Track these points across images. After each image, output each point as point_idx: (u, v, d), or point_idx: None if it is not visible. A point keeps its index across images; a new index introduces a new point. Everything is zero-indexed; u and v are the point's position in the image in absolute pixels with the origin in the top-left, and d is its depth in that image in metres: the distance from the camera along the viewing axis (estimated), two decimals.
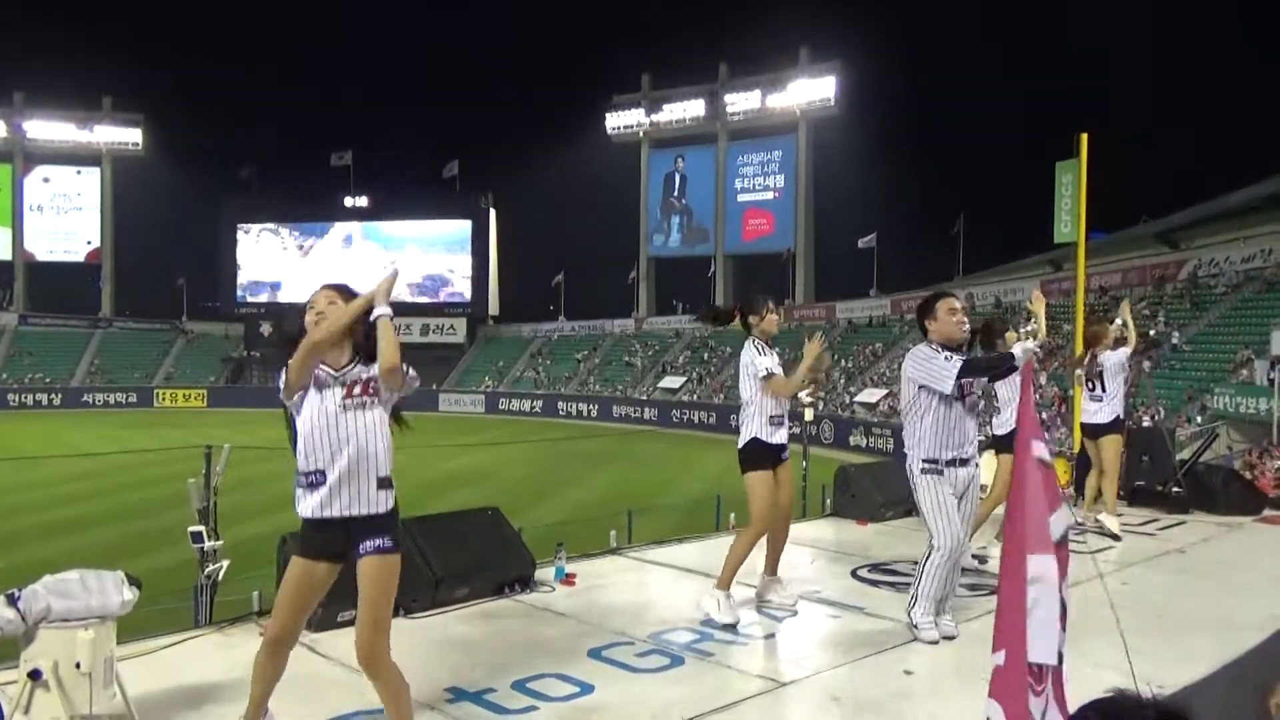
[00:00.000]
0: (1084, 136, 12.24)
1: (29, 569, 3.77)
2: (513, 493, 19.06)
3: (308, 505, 3.50)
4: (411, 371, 3.56)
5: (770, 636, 5.32)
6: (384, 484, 3.52)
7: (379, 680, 3.53)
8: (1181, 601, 5.95)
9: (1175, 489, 8.92)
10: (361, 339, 3.58)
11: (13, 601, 3.50)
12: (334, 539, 3.50)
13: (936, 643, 5.09)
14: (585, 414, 43.95)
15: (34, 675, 3.48)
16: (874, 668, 4.74)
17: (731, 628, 5.27)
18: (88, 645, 3.54)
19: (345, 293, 3.65)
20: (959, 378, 5.00)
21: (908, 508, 8.68)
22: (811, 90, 49.98)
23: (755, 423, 5.60)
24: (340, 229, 56.71)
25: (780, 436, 5.64)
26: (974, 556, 7.08)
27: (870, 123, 52.61)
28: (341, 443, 3.46)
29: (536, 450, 29.10)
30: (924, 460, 5.18)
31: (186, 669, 4.56)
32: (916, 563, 6.68)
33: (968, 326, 5.24)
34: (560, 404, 45.65)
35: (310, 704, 4.10)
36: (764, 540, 5.71)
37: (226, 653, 4.80)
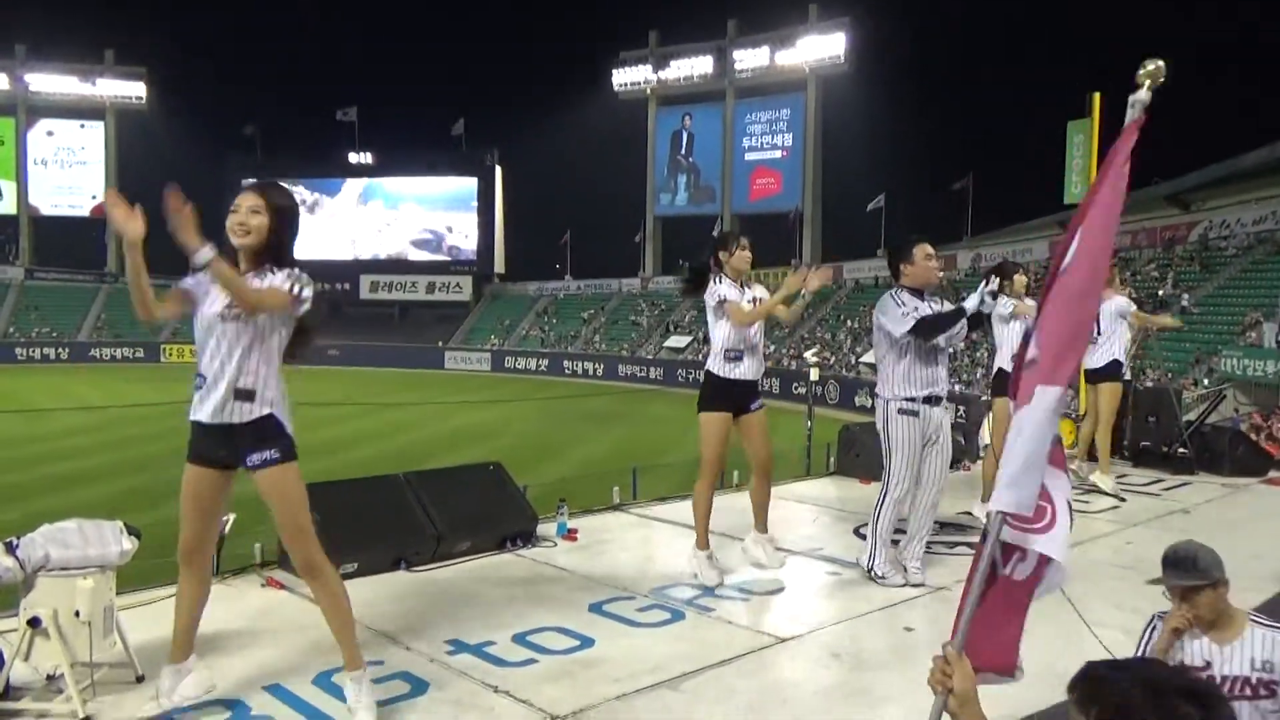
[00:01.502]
0: (1096, 96, 12.03)
1: (37, 521, 3.76)
2: (517, 450, 19.08)
3: (192, 406, 3.48)
4: (301, 292, 3.40)
5: (772, 593, 5.31)
6: (242, 396, 3.39)
7: (317, 582, 3.52)
8: None
9: (1181, 450, 8.88)
10: (273, 243, 3.44)
11: (11, 549, 3.49)
12: (215, 445, 3.46)
13: (903, 586, 5.21)
14: (591, 373, 43.98)
15: (33, 623, 3.48)
16: (875, 624, 4.73)
17: (717, 588, 5.18)
18: (87, 594, 3.54)
19: (273, 199, 3.47)
20: (912, 333, 5.20)
21: None
22: (821, 47, 49.34)
23: (712, 357, 5.45)
24: (352, 186, 56.45)
25: (739, 372, 5.39)
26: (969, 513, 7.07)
27: (879, 81, 52.10)
28: (215, 350, 3.40)
29: (542, 408, 29.16)
30: (904, 399, 5.28)
31: None
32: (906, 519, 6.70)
33: (942, 271, 5.42)
34: (566, 362, 45.66)
35: (312, 655, 4.10)
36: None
37: (229, 603, 4.80)
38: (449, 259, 56.25)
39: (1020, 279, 7.12)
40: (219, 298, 3.42)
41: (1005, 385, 7.48)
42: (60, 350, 48.86)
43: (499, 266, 57.34)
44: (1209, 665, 2.76)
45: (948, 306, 5.41)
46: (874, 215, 45.82)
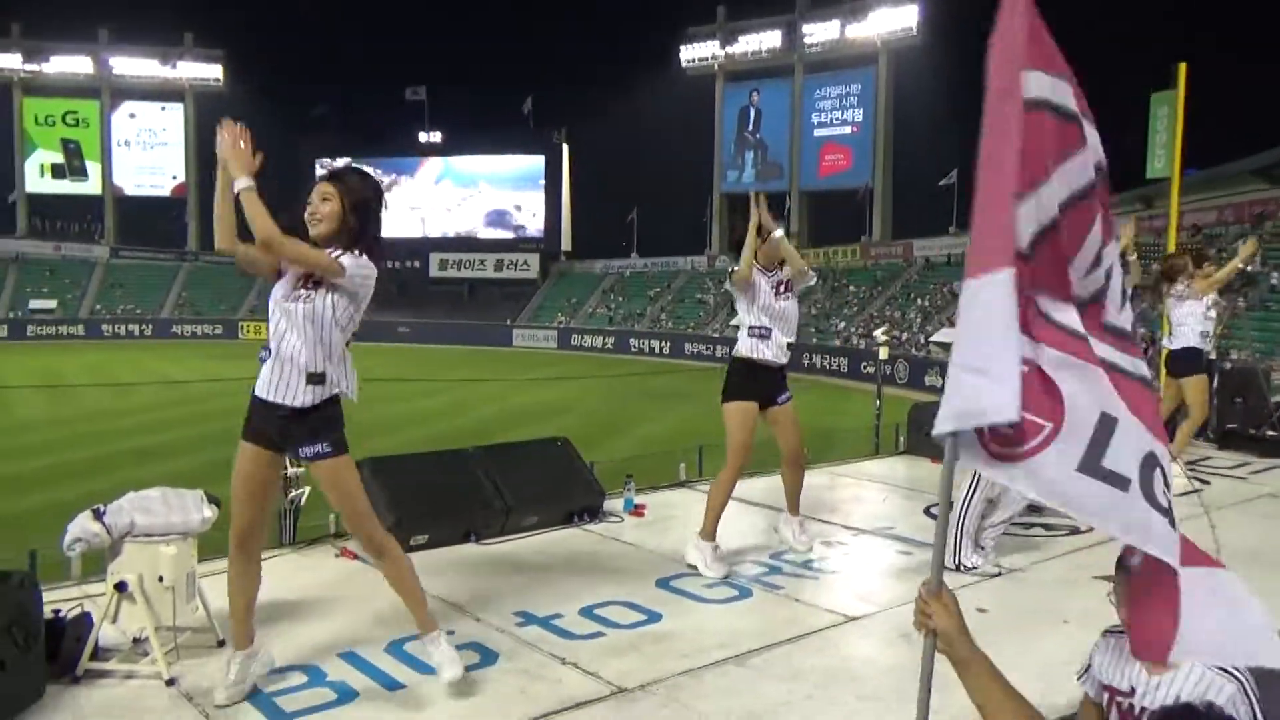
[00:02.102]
0: (1182, 66, 11.58)
1: (125, 491, 3.89)
2: (583, 428, 19.19)
3: (259, 381, 3.50)
4: (347, 261, 3.38)
5: (840, 572, 5.27)
6: (313, 380, 3.40)
7: (383, 559, 3.61)
8: (1275, 546, 5.72)
9: (1270, 432, 8.56)
10: (352, 227, 3.45)
11: (99, 516, 3.61)
12: (270, 425, 3.46)
13: (985, 569, 5.09)
14: (657, 351, 43.98)
15: (120, 587, 3.60)
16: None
17: (721, 580, 4.97)
18: (170, 560, 3.65)
19: (346, 186, 3.49)
20: None
21: None
22: (892, 19, 48.30)
23: (740, 338, 5.26)
24: (429, 166, 57.16)
25: (766, 351, 5.16)
26: None
27: (953, 53, 50.54)
28: (285, 330, 3.42)
29: (607, 386, 29.26)
30: None
31: (265, 587, 4.68)
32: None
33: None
34: (632, 341, 45.71)
35: (385, 624, 4.18)
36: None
37: (304, 573, 4.93)
38: (517, 237, 56.65)
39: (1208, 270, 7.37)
40: (290, 278, 3.46)
41: (1180, 364, 7.61)
42: (144, 327, 50.49)
43: (566, 244, 57.55)
44: (1133, 692, 2.27)
45: None
46: (945, 192, 44.91)
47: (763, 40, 52.81)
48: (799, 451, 5.44)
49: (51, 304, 51.29)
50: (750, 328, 5.23)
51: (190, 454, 16.41)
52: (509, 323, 50.76)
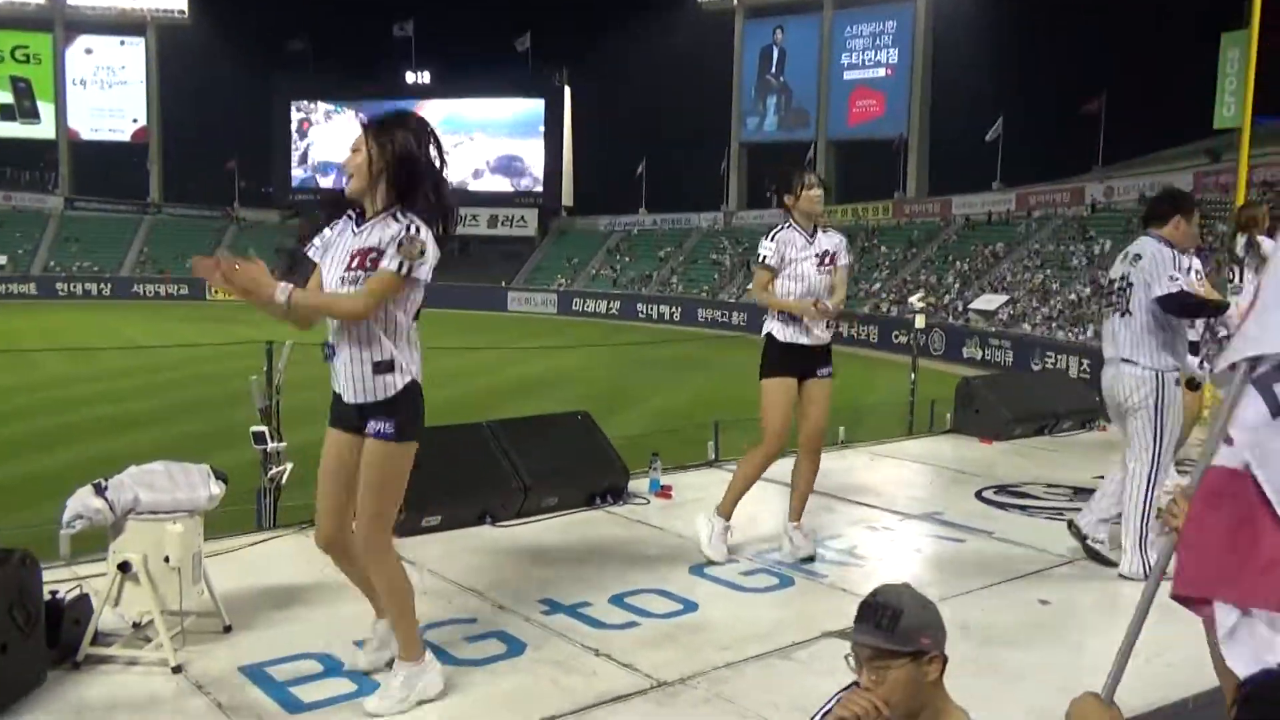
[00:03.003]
0: (1256, 1, 11.51)
1: (91, 465, 3.97)
2: (590, 400, 19.17)
3: (332, 377, 3.54)
4: (412, 270, 3.34)
5: (886, 560, 5.36)
6: (381, 369, 3.42)
7: (376, 573, 3.54)
8: None
9: None
10: (390, 178, 3.39)
11: (100, 491, 3.70)
12: (349, 413, 3.50)
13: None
14: (667, 317, 44.02)
15: (124, 567, 3.70)
16: (1005, 595, 4.75)
17: (718, 564, 5.04)
18: (176, 539, 3.74)
19: (377, 134, 3.40)
20: (1161, 303, 4.94)
21: (1039, 425, 8.62)
22: None
23: (769, 316, 5.25)
24: (425, 110, 56.93)
25: (797, 335, 5.16)
26: None
27: None
28: (343, 322, 3.42)
29: (614, 355, 29.31)
30: (1174, 368, 5.05)
31: (268, 569, 4.80)
32: (1051, 485, 6.66)
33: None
34: (640, 305, 45.75)
35: None
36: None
37: (308, 555, 4.98)
38: (513, 190, 56.49)
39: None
40: (340, 262, 3.44)
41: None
42: (102, 286, 50.55)
43: (567, 199, 57.41)
44: None
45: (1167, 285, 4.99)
46: (989, 144, 44.67)
47: None
48: (819, 436, 5.35)
49: (1, 259, 51.35)
50: (782, 310, 5.17)
51: (162, 425, 16.56)
52: (504, 284, 50.79)
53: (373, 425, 3.45)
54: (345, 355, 3.44)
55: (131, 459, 4.06)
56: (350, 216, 3.52)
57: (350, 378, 3.45)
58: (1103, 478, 7.01)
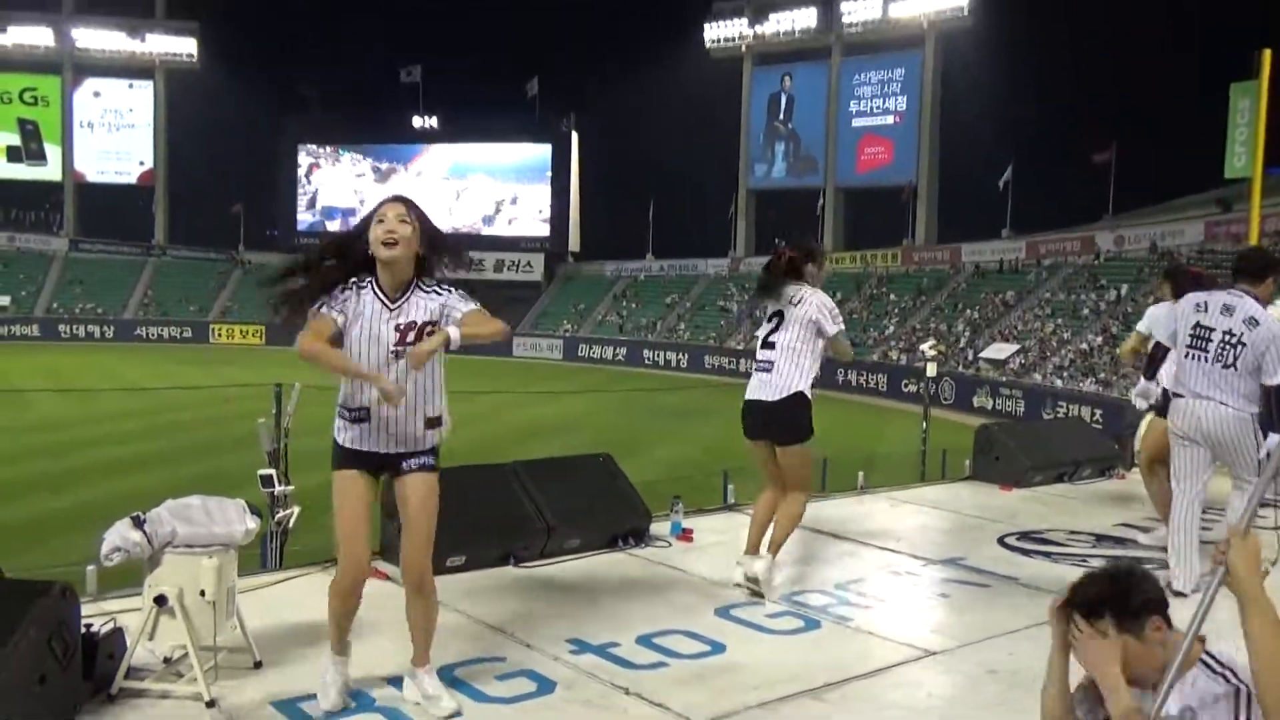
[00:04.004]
0: (1266, 54, 11.74)
1: (92, 510, 4.06)
2: (596, 447, 19.26)
3: (348, 437, 3.75)
4: (456, 331, 3.62)
5: (912, 604, 5.41)
6: (431, 423, 3.75)
7: (426, 598, 3.86)
8: None
9: None
10: (423, 256, 3.70)
11: (139, 524, 3.78)
12: (374, 459, 3.76)
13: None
14: (674, 364, 44.17)
15: (160, 601, 3.76)
16: (1035, 640, 4.76)
17: (775, 603, 5.16)
18: (212, 573, 3.81)
19: (419, 213, 3.72)
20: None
21: (1059, 472, 8.67)
22: None
23: (805, 377, 5.36)
24: (424, 154, 57.55)
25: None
26: (1135, 526, 7.04)
27: (1008, 35, 50.73)
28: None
29: (621, 401, 29.39)
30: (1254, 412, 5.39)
31: (295, 606, 4.85)
32: (1074, 532, 6.73)
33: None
34: (646, 352, 45.94)
35: (432, 649, 4.32)
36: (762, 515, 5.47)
37: None
38: (519, 235, 56.88)
39: None
40: (387, 332, 3.63)
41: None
42: (104, 328, 50.90)
43: (573, 244, 57.83)
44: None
45: None
46: (997, 190, 45.01)
47: (796, 18, 53.10)
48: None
49: (4, 301, 51.76)
50: (815, 378, 5.43)
51: (165, 467, 16.62)
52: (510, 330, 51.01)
53: (414, 461, 3.75)
54: (395, 415, 3.67)
55: (134, 504, 4.11)
56: (364, 287, 3.67)
57: (396, 434, 3.71)
58: (1126, 525, 7.14)
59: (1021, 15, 51.47)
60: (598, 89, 59.50)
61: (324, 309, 3.63)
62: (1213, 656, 2.39)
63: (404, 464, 3.74)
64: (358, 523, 3.78)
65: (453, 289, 3.71)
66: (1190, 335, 5.46)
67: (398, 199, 3.73)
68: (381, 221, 3.63)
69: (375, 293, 3.66)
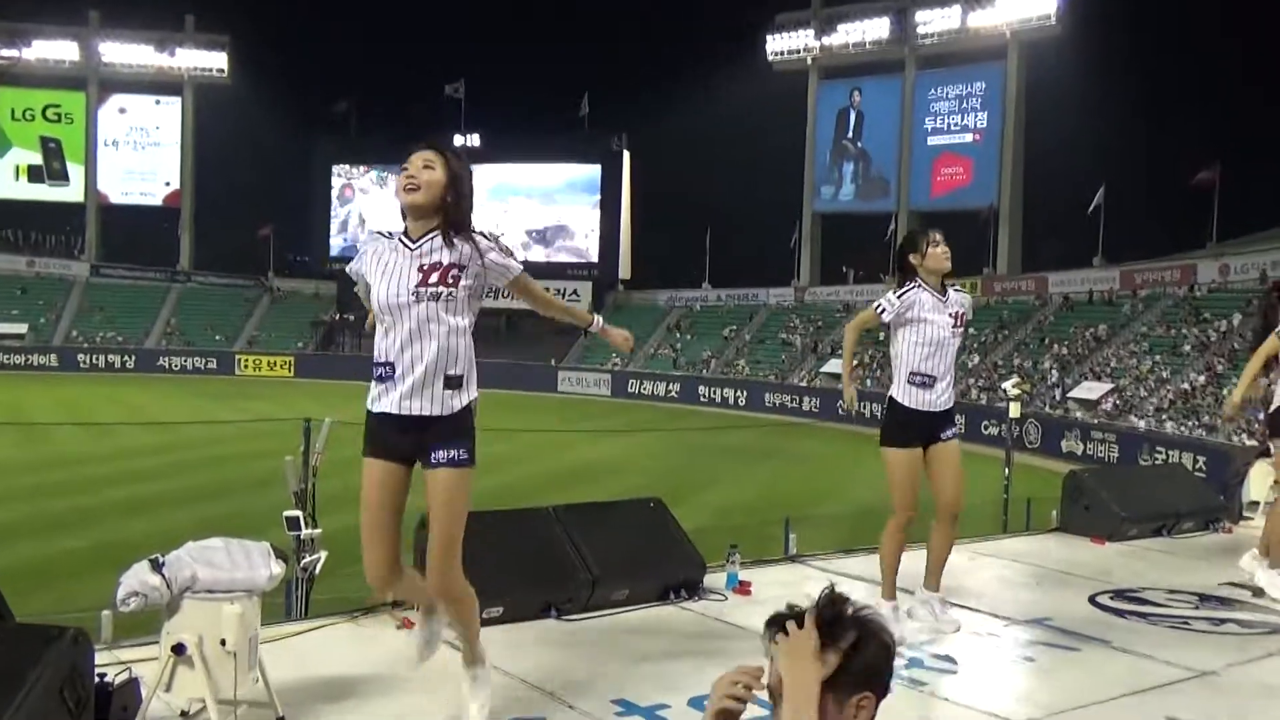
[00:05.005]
0: None
1: (109, 550, 4.13)
2: (646, 491, 19.20)
3: (375, 398, 3.83)
4: (503, 258, 3.88)
5: (992, 668, 5.33)
6: (452, 383, 3.77)
7: (455, 601, 3.95)
8: None
9: None
10: (450, 203, 3.79)
11: (158, 568, 3.83)
12: (402, 437, 3.80)
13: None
14: (731, 401, 44.06)
15: (178, 650, 3.81)
16: (1129, 710, 4.69)
17: (906, 646, 5.24)
18: (234, 621, 3.85)
19: (448, 157, 3.82)
20: None
21: (1158, 525, 8.51)
22: (1026, 5, 48.39)
23: (895, 382, 5.66)
24: (478, 175, 58.37)
25: (928, 400, 5.57)
26: (1245, 586, 6.87)
27: (1100, 45, 50.44)
28: (412, 334, 3.73)
29: (673, 442, 29.36)
30: None
31: (321, 659, 4.89)
32: (1174, 591, 6.59)
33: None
34: (701, 388, 45.87)
35: (456, 708, 4.32)
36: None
37: (361, 645, 5.12)
38: (566, 261, 57.26)
39: None
40: (408, 272, 3.74)
41: None
42: (125, 358, 51.90)
43: (624, 271, 58.06)
44: None
45: None
46: (1087, 214, 44.55)
47: (867, 29, 53.16)
48: (956, 502, 5.74)
49: (21, 328, 52.94)
50: (912, 374, 5.55)
51: (187, 507, 16.86)
52: (554, 363, 51.28)
53: (443, 453, 3.78)
54: (416, 370, 3.73)
55: (150, 546, 4.15)
56: (389, 235, 3.88)
57: (418, 393, 3.74)
58: (1232, 584, 6.97)
59: (1114, 23, 51.21)
60: (651, 105, 59.91)
61: (354, 263, 3.93)
62: None
63: (433, 454, 3.78)
64: (374, 529, 3.85)
65: (487, 235, 3.86)
66: None
67: (429, 144, 3.87)
68: (405, 168, 3.81)
69: (401, 239, 3.83)
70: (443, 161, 3.79)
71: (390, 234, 3.89)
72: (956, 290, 5.71)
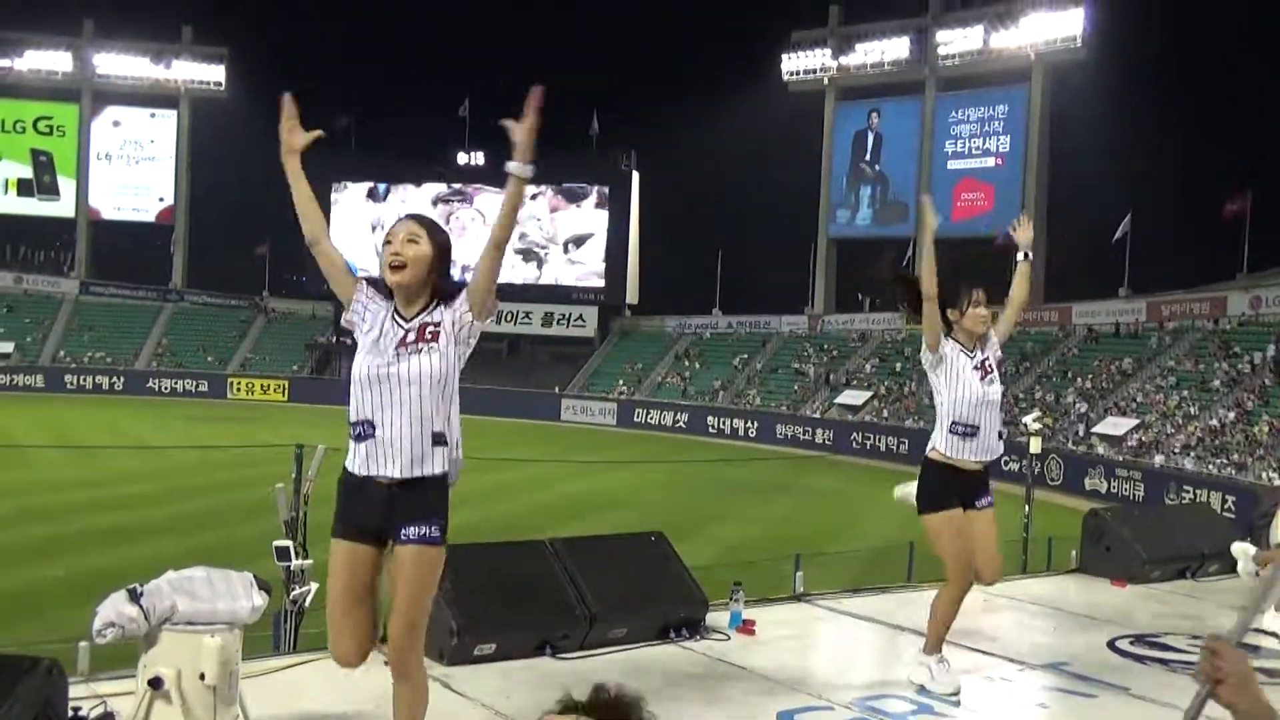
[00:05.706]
0: None
1: (85, 581, 4.13)
2: (650, 525, 19.20)
3: (353, 460, 3.78)
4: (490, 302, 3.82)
5: (1006, 715, 5.30)
6: (439, 440, 3.72)
7: (408, 683, 3.85)
8: None
9: None
10: (438, 278, 3.81)
11: (135, 598, 3.84)
12: (371, 511, 3.72)
13: None
14: (741, 433, 43.97)
15: (155, 684, 3.81)
16: None
17: (952, 698, 5.26)
18: (214, 654, 3.85)
19: (432, 230, 3.84)
20: None
21: (1181, 567, 8.47)
22: (1051, 26, 48.54)
23: (936, 432, 5.61)
24: (485, 200, 58.48)
25: (971, 451, 5.50)
26: (1271, 633, 6.83)
27: (1127, 68, 50.64)
28: (394, 390, 3.68)
29: (679, 474, 29.32)
30: None
31: (305, 695, 4.89)
32: (1196, 637, 6.55)
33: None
34: (710, 419, 45.79)
35: None
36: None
37: (349, 681, 5.07)
38: (570, 285, 57.28)
39: None
40: (395, 329, 3.73)
41: None
42: (114, 380, 51.99)
43: (631, 296, 58.03)
44: None
45: None
46: (1113, 243, 44.53)
47: (885, 49, 53.33)
48: (997, 571, 5.76)
49: (7, 347, 53.05)
50: (955, 423, 5.52)
51: (173, 535, 16.87)
52: (557, 391, 51.24)
53: (415, 530, 3.69)
54: (399, 424, 3.66)
55: (132, 576, 4.15)
56: (389, 298, 3.86)
57: (402, 450, 3.67)
58: (1259, 630, 6.93)
59: (1142, 46, 51.33)
60: (662, 125, 59.95)
61: (356, 284, 3.93)
62: None
63: (403, 532, 3.70)
64: (344, 616, 3.80)
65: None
66: None
67: (411, 216, 3.89)
68: (389, 243, 3.79)
69: (395, 316, 3.80)
70: (428, 234, 3.79)
71: (390, 297, 3.85)
72: (988, 343, 5.77)
